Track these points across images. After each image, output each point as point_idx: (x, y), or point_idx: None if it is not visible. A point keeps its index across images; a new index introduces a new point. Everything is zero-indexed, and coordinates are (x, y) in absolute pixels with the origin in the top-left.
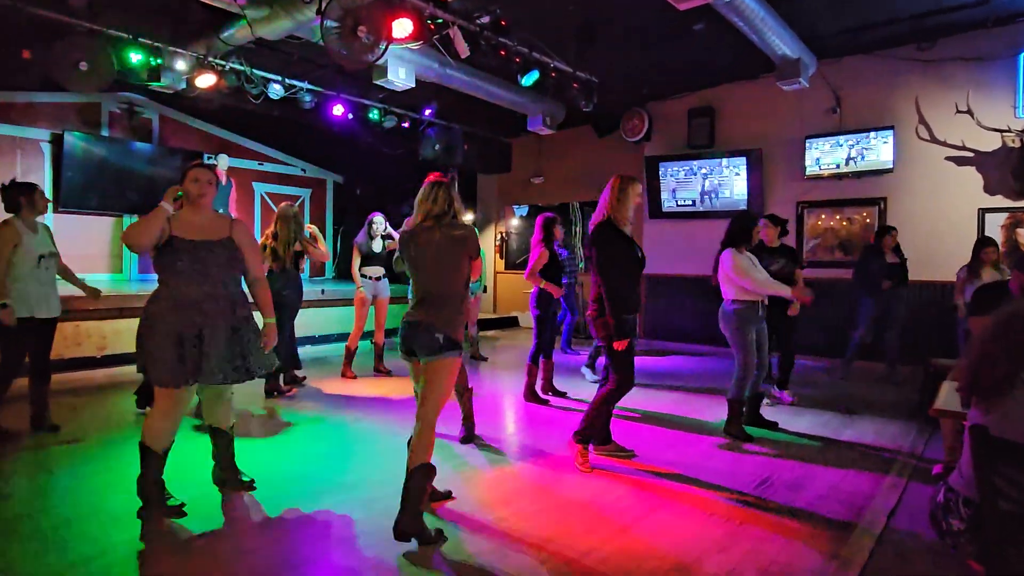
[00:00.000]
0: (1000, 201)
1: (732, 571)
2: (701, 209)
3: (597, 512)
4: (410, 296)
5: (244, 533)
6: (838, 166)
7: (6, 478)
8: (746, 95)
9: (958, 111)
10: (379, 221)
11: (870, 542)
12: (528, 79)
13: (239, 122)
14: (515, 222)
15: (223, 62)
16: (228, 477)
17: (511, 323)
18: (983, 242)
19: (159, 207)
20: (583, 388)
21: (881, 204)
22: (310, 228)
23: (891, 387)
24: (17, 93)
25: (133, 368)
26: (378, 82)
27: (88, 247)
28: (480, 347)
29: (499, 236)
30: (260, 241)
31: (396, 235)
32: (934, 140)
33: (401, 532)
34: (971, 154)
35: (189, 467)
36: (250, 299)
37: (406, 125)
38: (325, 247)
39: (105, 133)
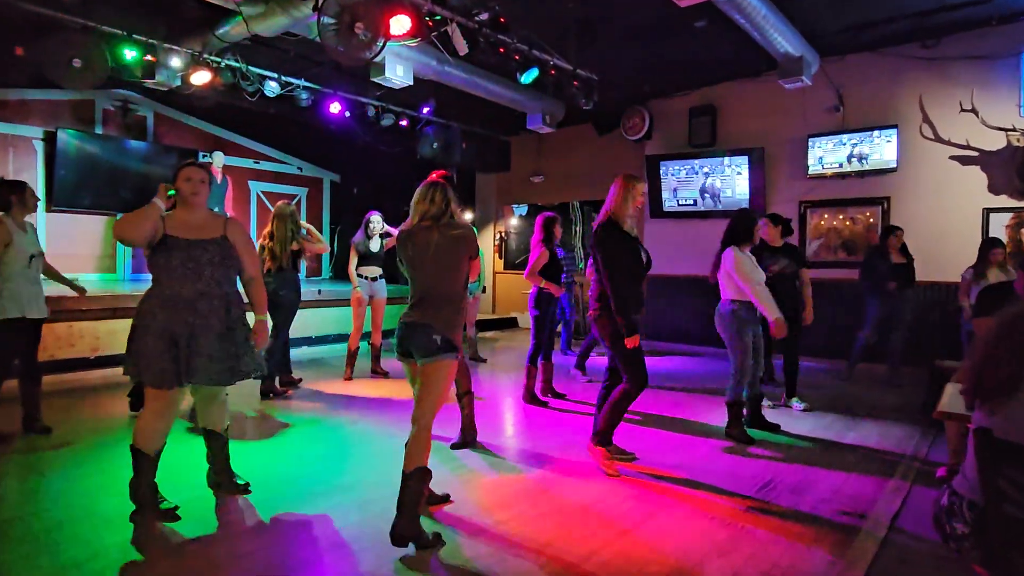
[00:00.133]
0: (1005, 201)
1: (734, 575)
2: (702, 209)
3: (597, 515)
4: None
5: (238, 537)
6: (841, 165)
7: None
8: (748, 93)
9: (962, 110)
10: (376, 220)
11: (873, 546)
12: (527, 77)
13: (235, 120)
14: (514, 222)
15: (218, 59)
16: (222, 480)
17: (510, 324)
18: (990, 243)
19: (152, 203)
20: (583, 390)
21: (884, 204)
22: (305, 225)
23: (894, 389)
24: (10, 90)
25: None
26: (376, 80)
27: (81, 247)
28: (479, 348)
29: (498, 236)
30: (259, 243)
31: (394, 232)
32: (938, 139)
33: (398, 536)
34: (975, 153)
35: (183, 470)
36: (245, 299)
37: (404, 123)
38: (321, 238)
39: (99, 131)
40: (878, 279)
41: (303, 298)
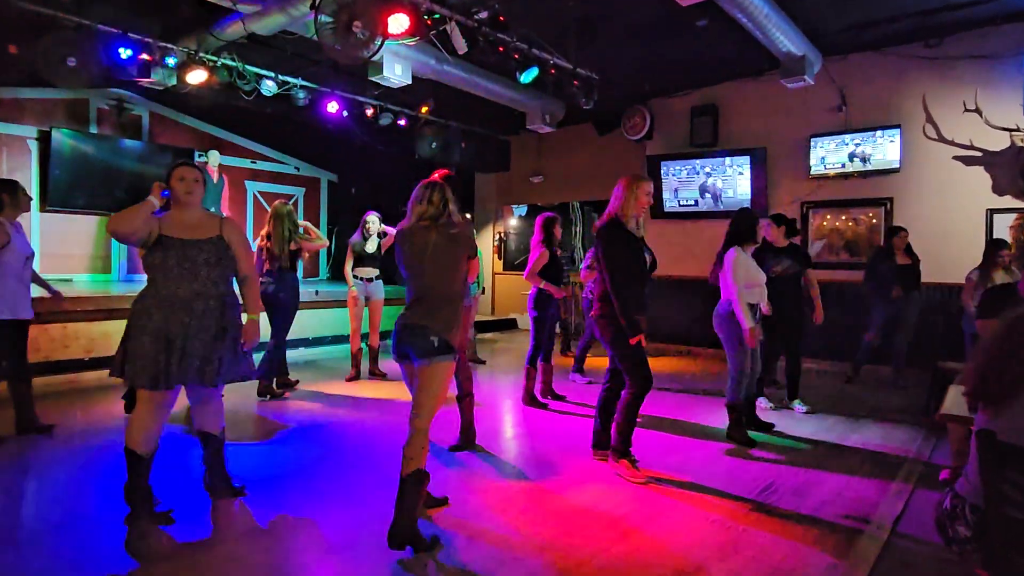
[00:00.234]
0: (1009, 202)
1: None
2: (704, 209)
3: (597, 518)
4: None
5: (234, 540)
6: (844, 165)
7: None
8: (750, 93)
9: (966, 110)
10: (373, 220)
11: (876, 549)
12: (527, 76)
13: (231, 119)
14: (514, 222)
15: (215, 58)
16: (218, 483)
17: (509, 325)
18: (996, 244)
19: (146, 200)
20: (582, 392)
21: (887, 204)
22: (302, 224)
23: (897, 391)
24: (3, 89)
25: None
26: (374, 79)
27: (75, 247)
28: (477, 350)
29: (497, 236)
30: (257, 244)
31: (388, 232)
32: (941, 139)
33: (396, 539)
34: (979, 154)
35: (178, 472)
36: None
37: (402, 123)
38: (320, 234)
39: (94, 130)
40: (881, 281)
41: (300, 299)
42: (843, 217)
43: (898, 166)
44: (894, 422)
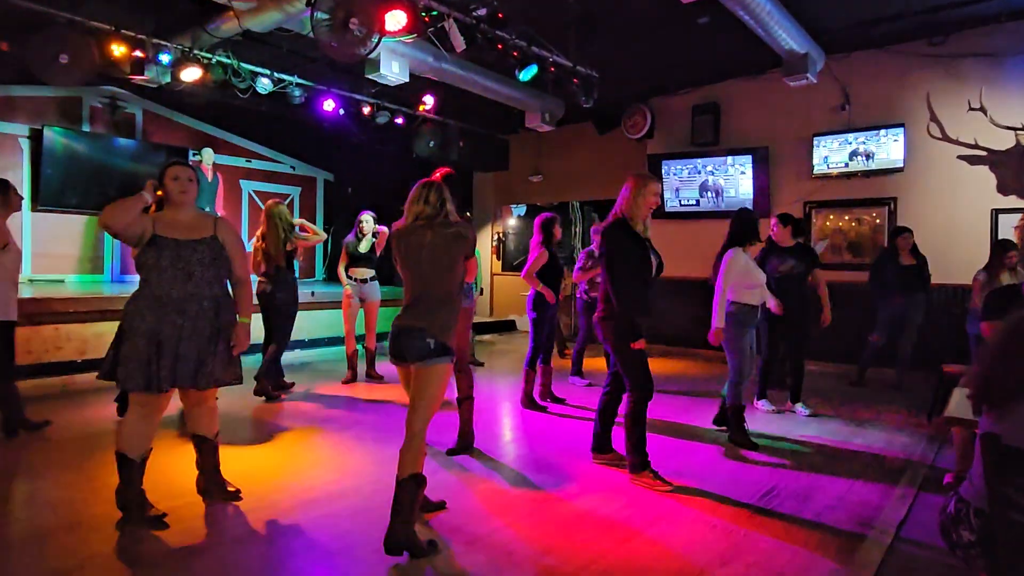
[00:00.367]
0: (1014, 202)
1: None
2: (705, 209)
3: (597, 523)
4: None
5: (228, 545)
6: (847, 165)
7: None
8: (752, 91)
9: (971, 108)
10: (368, 219)
11: (879, 554)
12: (526, 74)
13: (226, 117)
14: (513, 222)
15: (209, 55)
16: (212, 487)
17: (508, 327)
18: (1002, 245)
19: (139, 194)
20: (582, 394)
21: (891, 204)
22: (298, 222)
23: (901, 393)
24: None
25: None
26: (370, 76)
27: (68, 247)
28: (476, 352)
29: (496, 236)
30: (252, 244)
31: (380, 230)
32: (946, 138)
33: (392, 544)
34: (984, 153)
35: (172, 476)
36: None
37: (400, 121)
38: (317, 229)
39: (86, 128)
40: (883, 282)
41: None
42: (846, 217)
43: (902, 165)
44: (898, 425)
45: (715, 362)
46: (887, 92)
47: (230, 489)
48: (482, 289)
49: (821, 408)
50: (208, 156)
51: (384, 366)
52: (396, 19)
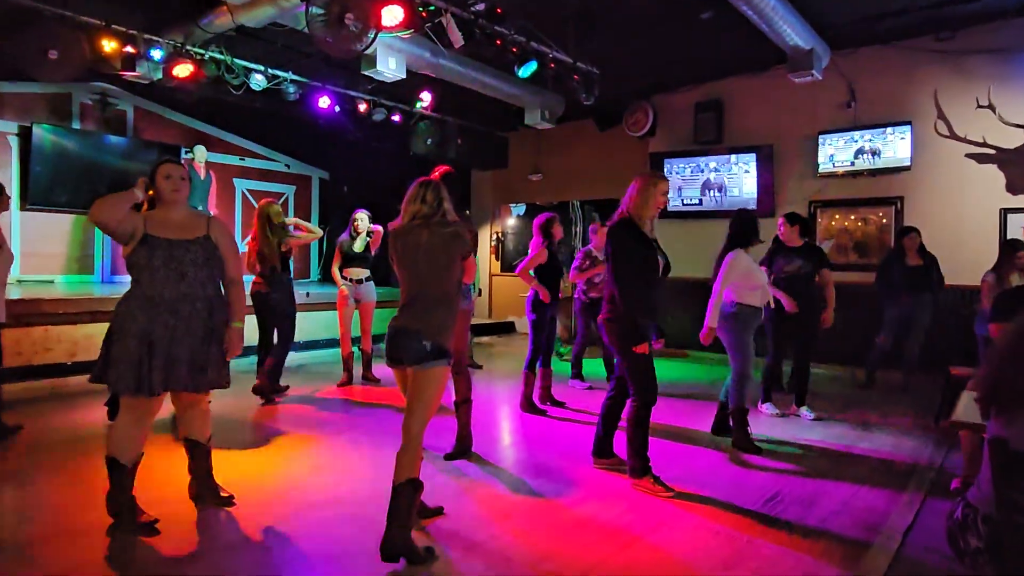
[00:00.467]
0: (1023, 201)
1: None
2: (708, 208)
3: (598, 529)
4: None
5: (221, 552)
6: (853, 163)
7: None
8: (756, 88)
9: (979, 106)
10: (362, 218)
11: (885, 561)
12: (525, 70)
13: (219, 115)
14: (512, 221)
15: (202, 51)
16: (205, 492)
17: (507, 328)
18: (1012, 245)
19: (130, 190)
20: (582, 398)
21: (898, 204)
22: (292, 221)
23: (908, 396)
24: None
25: None
26: (366, 73)
27: (57, 246)
28: (474, 354)
29: (494, 236)
30: (246, 245)
31: (375, 229)
32: (954, 136)
33: (388, 550)
34: (992, 151)
35: (163, 481)
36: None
37: (396, 118)
38: (312, 227)
39: (76, 126)
40: (889, 283)
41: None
42: (852, 217)
43: (909, 164)
44: (904, 429)
45: (718, 364)
46: (894, 89)
47: (223, 494)
48: (480, 290)
49: (826, 411)
50: (201, 154)
51: (381, 369)
52: (392, 14)
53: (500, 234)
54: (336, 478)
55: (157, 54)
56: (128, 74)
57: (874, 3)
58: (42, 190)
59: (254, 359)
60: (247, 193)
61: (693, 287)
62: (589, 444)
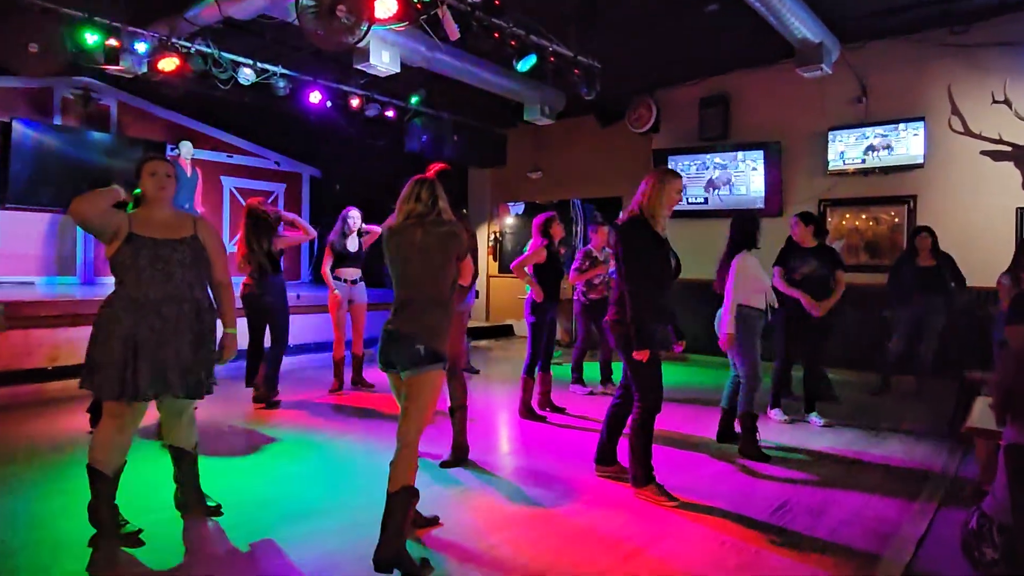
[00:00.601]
0: None
1: None
2: (713, 207)
3: (599, 539)
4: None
5: (208, 564)
6: (864, 161)
7: None
8: (763, 82)
9: (995, 101)
10: (355, 216)
11: (897, 573)
12: (524, 64)
13: (206, 110)
14: (510, 221)
15: (188, 44)
16: (191, 501)
17: (505, 332)
18: None
19: (112, 187)
20: (583, 403)
21: (910, 202)
22: (285, 218)
23: (922, 402)
24: None
25: None
26: (359, 67)
27: (37, 247)
28: (471, 358)
29: (492, 236)
30: (235, 246)
31: (370, 229)
32: (968, 132)
33: (382, 561)
34: (1008, 148)
35: (148, 490)
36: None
37: (390, 114)
38: (306, 227)
39: (58, 121)
40: (900, 285)
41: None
42: (863, 216)
43: (922, 161)
44: (917, 436)
45: (720, 368)
46: (906, 84)
47: (210, 504)
48: (477, 292)
49: (836, 417)
50: (187, 150)
51: (375, 373)
52: (386, 5)
53: (498, 234)
54: (326, 487)
55: (142, 47)
56: (111, 68)
57: None
58: (22, 188)
59: (241, 363)
60: (235, 191)
61: (697, 289)
62: (590, 452)
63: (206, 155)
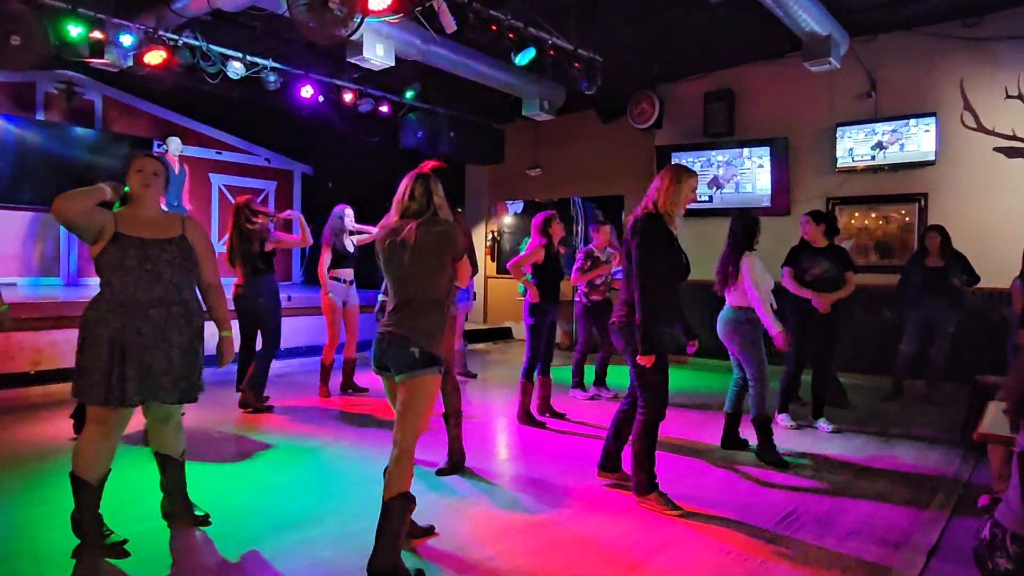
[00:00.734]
0: None
1: None
2: (718, 206)
3: (600, 549)
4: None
5: (195, 575)
6: (873, 158)
7: None
8: (769, 77)
9: (1008, 96)
10: (349, 214)
11: None
12: (523, 57)
13: (194, 105)
14: (508, 219)
15: (175, 36)
16: (178, 510)
17: (503, 334)
18: None
19: (99, 186)
20: (583, 409)
21: (921, 201)
22: (294, 215)
23: (933, 407)
24: None
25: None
26: (352, 60)
27: (19, 247)
28: (468, 362)
29: (490, 235)
30: (225, 245)
31: (363, 229)
32: (981, 128)
33: (376, 571)
34: (1023, 144)
35: (133, 498)
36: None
37: (384, 109)
38: (306, 230)
39: (40, 116)
40: (907, 286)
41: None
42: (873, 215)
43: (933, 158)
44: (929, 442)
45: (721, 372)
46: (917, 78)
47: (198, 513)
48: (475, 294)
49: (845, 422)
50: (175, 146)
51: (367, 377)
52: None
53: (496, 233)
54: (318, 495)
55: (127, 40)
56: (96, 61)
57: None
58: (3, 186)
59: (232, 367)
60: (224, 189)
61: (699, 290)
62: (591, 459)
63: (194, 152)
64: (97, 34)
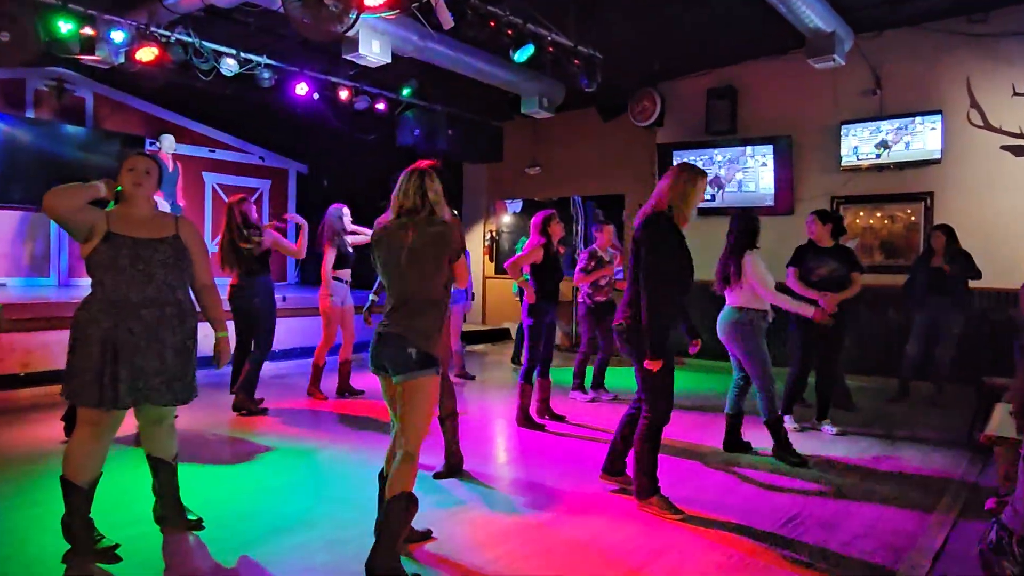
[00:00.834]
0: None
1: None
2: (721, 205)
3: (600, 553)
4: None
5: None
6: (878, 156)
7: None
8: (773, 74)
9: (1015, 93)
10: (347, 213)
11: None
12: (522, 54)
13: (187, 103)
14: (507, 219)
15: (168, 33)
16: (171, 514)
17: (502, 335)
18: None
19: (93, 183)
20: (584, 411)
21: (927, 200)
22: (296, 218)
23: (939, 409)
24: None
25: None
26: (348, 57)
27: (9, 246)
28: (466, 364)
29: (488, 235)
30: (216, 247)
31: (357, 230)
32: (988, 126)
33: (374, 570)
34: None
35: (125, 502)
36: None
37: (381, 106)
38: (304, 241)
39: (30, 114)
40: (911, 285)
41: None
42: (878, 214)
43: (939, 156)
44: (935, 444)
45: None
46: (922, 75)
47: (191, 517)
48: (473, 294)
49: (850, 425)
50: (168, 143)
51: (365, 379)
52: None
53: (495, 233)
54: (313, 499)
55: (119, 36)
56: (87, 58)
57: None
58: None
59: (226, 369)
60: (217, 188)
61: (700, 291)
62: (591, 462)
63: (187, 150)
64: (88, 30)
